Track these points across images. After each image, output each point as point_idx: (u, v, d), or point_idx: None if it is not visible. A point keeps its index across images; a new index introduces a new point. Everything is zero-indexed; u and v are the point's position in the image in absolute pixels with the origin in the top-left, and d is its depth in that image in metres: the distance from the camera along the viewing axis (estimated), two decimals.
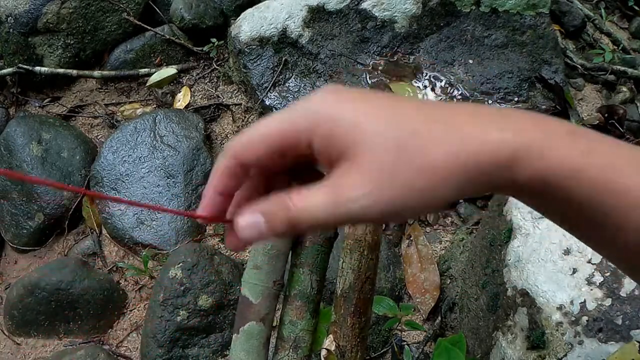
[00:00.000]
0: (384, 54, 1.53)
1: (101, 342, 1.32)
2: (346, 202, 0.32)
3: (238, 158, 0.35)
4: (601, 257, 0.82)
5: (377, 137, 0.32)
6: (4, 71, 1.59)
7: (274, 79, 1.47)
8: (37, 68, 1.59)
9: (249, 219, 0.34)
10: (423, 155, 0.32)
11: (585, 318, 0.79)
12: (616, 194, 0.32)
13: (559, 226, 0.38)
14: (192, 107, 1.58)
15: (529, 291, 0.87)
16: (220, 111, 1.60)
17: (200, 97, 1.62)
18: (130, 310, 1.36)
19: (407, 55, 1.54)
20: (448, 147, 0.32)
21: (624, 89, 1.74)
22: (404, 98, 0.36)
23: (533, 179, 0.33)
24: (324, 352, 0.60)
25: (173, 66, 1.65)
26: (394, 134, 0.32)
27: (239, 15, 1.55)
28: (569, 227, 0.37)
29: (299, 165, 0.36)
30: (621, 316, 0.77)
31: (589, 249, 0.83)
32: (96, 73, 1.63)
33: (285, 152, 0.34)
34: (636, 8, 2.02)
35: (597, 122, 1.41)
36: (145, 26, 1.65)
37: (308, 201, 0.33)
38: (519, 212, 0.94)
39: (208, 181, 0.36)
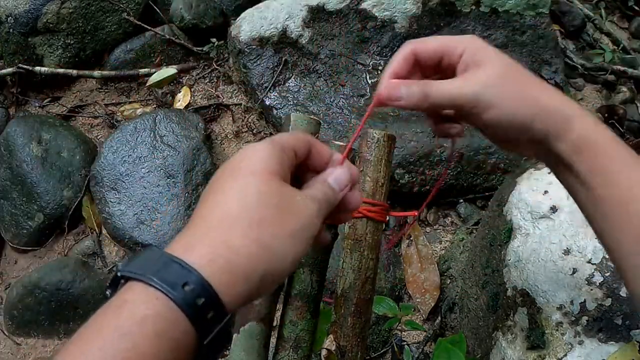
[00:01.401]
0: (384, 54, 1.53)
1: None
2: (470, 84, 0.49)
3: (415, 51, 0.52)
4: (601, 257, 0.82)
5: (500, 63, 0.50)
6: (4, 71, 1.59)
7: (274, 79, 1.47)
8: (37, 68, 1.59)
9: (395, 85, 0.52)
10: (523, 85, 0.50)
11: (585, 318, 0.79)
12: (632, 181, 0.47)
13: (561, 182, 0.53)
14: (192, 107, 1.58)
15: (529, 291, 0.87)
16: (220, 111, 1.60)
17: (200, 97, 1.62)
18: None
19: None
20: (538, 91, 0.50)
21: (624, 89, 1.74)
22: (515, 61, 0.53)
23: (579, 140, 0.48)
24: (324, 352, 0.60)
25: (173, 66, 1.65)
26: (511, 66, 0.50)
27: (239, 15, 1.55)
28: (580, 186, 0.50)
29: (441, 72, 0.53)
30: (621, 316, 0.77)
31: (589, 249, 0.83)
32: (96, 73, 1.63)
33: (444, 55, 0.52)
34: (636, 8, 2.02)
35: None
36: (145, 26, 1.65)
37: (442, 84, 0.50)
38: (519, 212, 0.94)
39: (386, 68, 0.54)
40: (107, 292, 0.38)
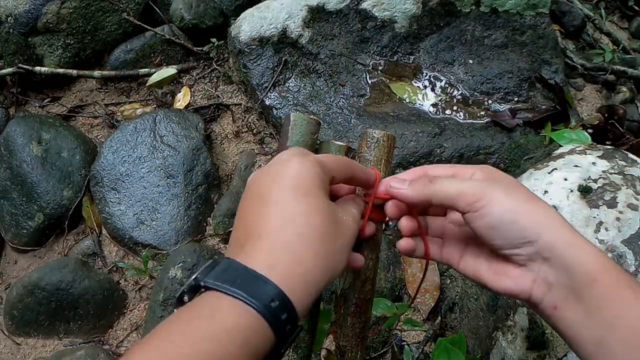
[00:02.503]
0: (384, 54, 1.53)
1: (101, 342, 1.32)
2: (479, 180, 0.52)
3: (427, 168, 0.57)
4: None
5: (507, 178, 0.53)
6: (4, 71, 1.59)
7: (274, 79, 1.47)
8: (37, 68, 1.59)
9: (399, 184, 0.55)
10: (533, 199, 0.50)
11: None
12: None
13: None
14: (192, 107, 1.58)
15: None
16: (220, 111, 1.60)
17: (200, 97, 1.62)
18: (130, 310, 1.36)
19: (407, 55, 1.54)
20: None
21: (624, 89, 1.74)
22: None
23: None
24: (324, 352, 0.60)
25: (173, 66, 1.65)
26: (517, 184, 0.52)
27: (239, 15, 1.55)
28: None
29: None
30: None
31: None
32: (96, 73, 1.63)
33: (456, 175, 0.55)
34: (636, 8, 2.03)
35: (597, 122, 1.41)
36: (145, 26, 1.65)
37: (445, 182, 0.52)
38: None
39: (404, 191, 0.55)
40: (185, 298, 0.41)
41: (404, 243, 0.58)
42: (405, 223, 0.57)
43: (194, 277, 0.41)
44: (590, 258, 0.45)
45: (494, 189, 0.49)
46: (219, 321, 0.37)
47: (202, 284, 0.40)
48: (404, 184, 0.54)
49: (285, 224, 0.43)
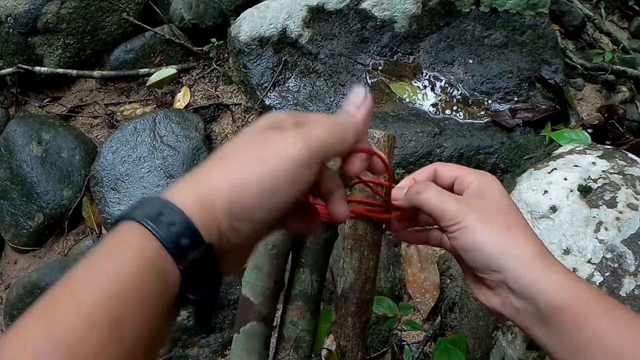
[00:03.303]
0: (384, 54, 1.53)
1: None
2: (464, 203, 0.51)
3: (437, 168, 0.57)
4: (601, 257, 0.82)
5: (499, 201, 0.52)
6: (4, 71, 1.59)
7: (273, 79, 1.47)
8: (37, 68, 1.59)
9: (398, 193, 0.56)
10: (509, 227, 0.50)
11: None
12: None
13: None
14: (192, 107, 1.58)
15: None
16: (220, 111, 1.60)
17: (200, 97, 1.62)
18: None
19: (407, 55, 1.54)
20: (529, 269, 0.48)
21: (624, 88, 1.74)
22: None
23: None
24: (324, 352, 0.60)
25: (173, 66, 1.65)
26: (506, 208, 0.51)
27: (238, 15, 1.55)
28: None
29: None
30: None
31: (589, 249, 0.83)
32: (96, 73, 1.63)
33: (458, 179, 0.55)
34: (636, 8, 2.03)
35: (597, 121, 1.41)
36: (145, 26, 1.65)
37: (434, 195, 0.52)
38: None
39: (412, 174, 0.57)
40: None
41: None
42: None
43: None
44: (561, 289, 0.46)
45: (471, 214, 0.50)
46: (120, 251, 0.35)
47: (122, 215, 0.39)
48: (401, 192, 0.56)
49: (214, 156, 0.42)
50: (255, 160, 0.40)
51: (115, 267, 0.34)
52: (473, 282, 0.53)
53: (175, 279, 0.36)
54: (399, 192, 0.56)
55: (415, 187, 0.54)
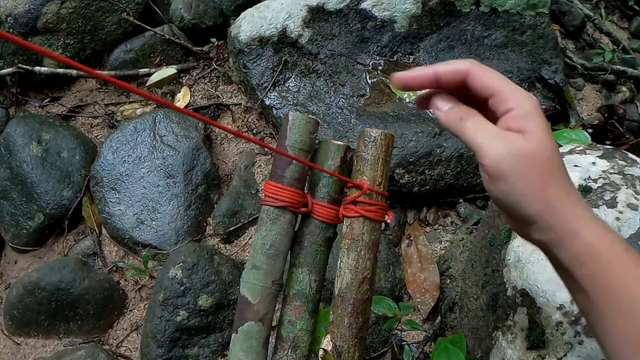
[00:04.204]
0: (384, 54, 1.53)
1: (101, 342, 1.32)
2: (502, 147, 0.47)
3: (470, 73, 0.50)
4: None
5: (540, 142, 0.47)
6: (4, 71, 1.59)
7: (273, 78, 1.47)
8: (37, 68, 1.59)
9: (443, 104, 0.52)
10: (548, 183, 0.47)
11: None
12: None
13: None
14: (192, 107, 1.58)
15: (529, 291, 0.87)
16: (220, 111, 1.60)
17: (200, 97, 1.62)
18: (130, 310, 1.36)
19: (407, 55, 1.54)
20: (557, 198, 0.47)
21: (624, 88, 1.74)
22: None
23: (573, 253, 0.46)
24: (320, 352, 0.60)
25: (173, 66, 1.65)
26: (551, 151, 0.47)
27: (238, 15, 1.55)
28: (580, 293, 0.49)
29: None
30: None
31: None
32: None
33: (493, 98, 0.49)
34: (636, 8, 2.02)
35: (597, 122, 1.41)
36: (145, 26, 1.65)
37: (476, 127, 0.49)
38: None
39: (436, 66, 0.51)
40: None
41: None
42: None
43: None
44: (585, 244, 0.46)
45: (507, 159, 0.47)
46: None
47: None
48: (446, 106, 0.52)
49: None
50: None
51: None
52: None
53: None
54: (442, 105, 0.52)
55: (457, 111, 0.51)
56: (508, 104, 0.48)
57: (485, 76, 0.50)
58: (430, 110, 0.54)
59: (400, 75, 0.52)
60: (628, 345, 0.44)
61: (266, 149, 1.51)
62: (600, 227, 0.46)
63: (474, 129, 0.49)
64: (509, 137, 0.47)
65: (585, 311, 0.48)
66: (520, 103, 0.48)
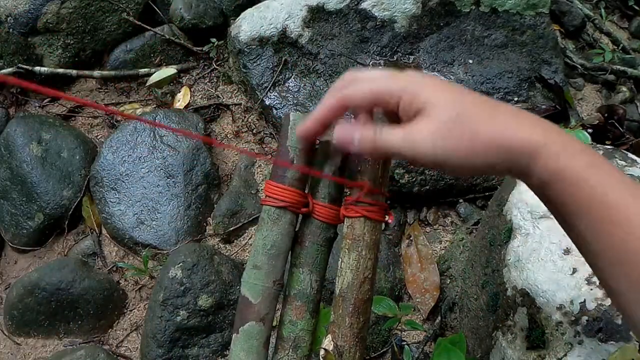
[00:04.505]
0: (384, 54, 1.53)
1: (101, 342, 1.32)
2: (413, 139, 0.45)
3: (344, 102, 0.50)
4: None
5: (444, 107, 0.45)
6: (4, 71, 1.59)
7: (273, 78, 1.47)
8: (37, 68, 1.59)
9: (348, 131, 0.50)
10: (473, 129, 0.44)
11: (585, 318, 0.79)
12: (606, 207, 0.41)
13: (553, 215, 0.48)
14: (192, 107, 1.58)
15: (529, 291, 0.87)
16: (220, 111, 1.60)
17: (200, 97, 1.62)
18: (130, 310, 1.36)
19: (407, 55, 1.54)
20: (491, 128, 0.44)
21: (624, 88, 1.74)
22: (465, 91, 0.47)
23: (545, 173, 0.43)
24: (322, 352, 0.60)
25: (173, 66, 1.65)
26: (456, 109, 0.44)
27: (238, 15, 1.55)
28: (558, 216, 0.47)
29: (386, 113, 0.51)
30: (621, 316, 0.77)
31: None
32: (96, 73, 1.63)
33: (378, 105, 0.49)
34: (636, 8, 2.02)
35: (597, 121, 1.41)
36: (145, 26, 1.65)
37: (389, 134, 0.47)
38: (519, 212, 0.94)
39: (315, 110, 0.52)
40: None
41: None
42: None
43: None
44: (547, 163, 0.44)
45: (430, 145, 0.45)
46: None
47: None
48: (355, 141, 0.50)
49: None
50: None
51: None
52: None
53: None
54: (348, 136, 0.50)
55: (366, 134, 0.49)
56: (392, 100, 0.47)
57: (357, 91, 0.49)
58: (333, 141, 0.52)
59: (301, 133, 0.54)
60: (627, 275, 0.40)
61: (266, 149, 1.51)
62: (559, 147, 0.43)
63: (387, 142, 0.47)
64: (417, 127, 0.45)
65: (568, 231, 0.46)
66: (402, 91, 0.47)
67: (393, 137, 0.47)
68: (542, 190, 0.45)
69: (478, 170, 0.45)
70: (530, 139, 0.43)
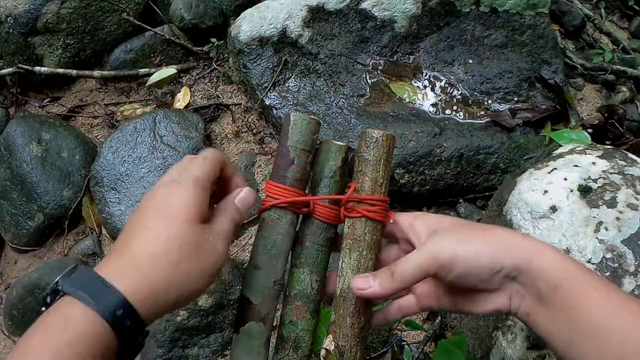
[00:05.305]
0: (384, 54, 1.53)
1: None
2: (431, 247, 0.56)
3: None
4: (601, 257, 0.82)
5: (447, 222, 0.60)
6: (4, 71, 1.59)
7: (273, 78, 1.47)
8: (37, 68, 1.59)
9: (365, 282, 0.58)
10: (481, 231, 0.56)
11: None
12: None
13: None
14: (192, 107, 1.58)
15: None
16: (220, 111, 1.60)
17: (200, 97, 1.62)
18: None
19: (407, 55, 1.54)
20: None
21: (624, 88, 1.74)
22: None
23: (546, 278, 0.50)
24: (323, 352, 0.60)
25: (173, 66, 1.65)
26: (456, 221, 0.60)
27: (238, 15, 1.55)
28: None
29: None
30: None
31: (589, 249, 0.83)
32: (96, 73, 1.63)
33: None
34: (636, 8, 2.02)
35: (597, 121, 1.41)
36: (145, 26, 1.65)
37: (404, 266, 0.56)
38: (519, 212, 0.94)
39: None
40: (48, 299, 0.46)
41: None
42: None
43: (55, 280, 0.46)
44: (552, 265, 0.50)
45: (448, 245, 0.54)
46: (72, 327, 0.43)
47: (60, 288, 0.46)
48: (371, 283, 0.58)
49: (144, 244, 0.49)
50: (199, 274, 0.52)
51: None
52: (470, 300, 0.56)
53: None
54: (367, 283, 0.58)
55: (383, 274, 0.57)
56: (419, 237, 0.59)
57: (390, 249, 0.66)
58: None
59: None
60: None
61: (266, 149, 1.51)
62: (564, 261, 0.51)
63: (405, 268, 0.55)
64: (428, 242, 0.56)
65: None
66: (422, 223, 0.60)
67: (411, 257, 0.57)
68: (548, 292, 0.51)
69: (488, 267, 0.54)
70: (528, 242, 0.53)
